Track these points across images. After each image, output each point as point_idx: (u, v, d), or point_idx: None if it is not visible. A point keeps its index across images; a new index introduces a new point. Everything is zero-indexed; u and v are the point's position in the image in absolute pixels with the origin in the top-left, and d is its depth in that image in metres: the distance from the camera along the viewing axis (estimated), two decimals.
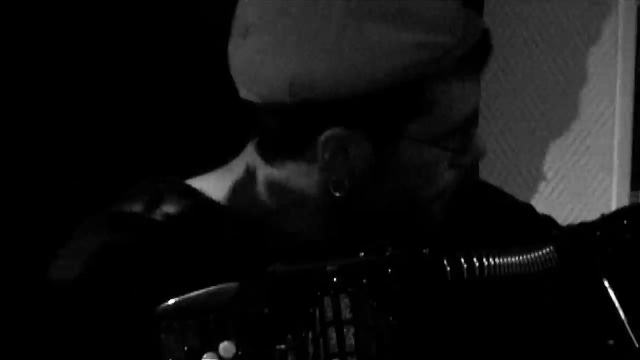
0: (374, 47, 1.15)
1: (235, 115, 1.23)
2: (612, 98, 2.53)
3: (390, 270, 1.13)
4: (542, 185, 2.53)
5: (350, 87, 1.15)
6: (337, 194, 1.19)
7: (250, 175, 1.25)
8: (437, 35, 1.17)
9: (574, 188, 2.54)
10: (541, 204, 2.52)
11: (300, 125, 1.19)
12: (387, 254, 1.15)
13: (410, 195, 1.22)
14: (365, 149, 1.18)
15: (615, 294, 1.20)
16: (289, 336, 1.09)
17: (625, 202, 2.55)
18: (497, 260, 1.16)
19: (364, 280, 1.12)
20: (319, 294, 1.10)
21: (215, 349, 1.09)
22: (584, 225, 1.23)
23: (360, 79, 1.15)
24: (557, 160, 2.54)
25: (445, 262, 1.15)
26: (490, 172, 2.50)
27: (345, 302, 1.10)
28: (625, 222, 1.22)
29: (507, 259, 1.17)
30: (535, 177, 2.53)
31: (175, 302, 1.09)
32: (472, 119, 1.24)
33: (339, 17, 1.15)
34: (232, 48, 1.22)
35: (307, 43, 1.16)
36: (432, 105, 1.19)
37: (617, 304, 1.19)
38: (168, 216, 1.22)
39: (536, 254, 1.19)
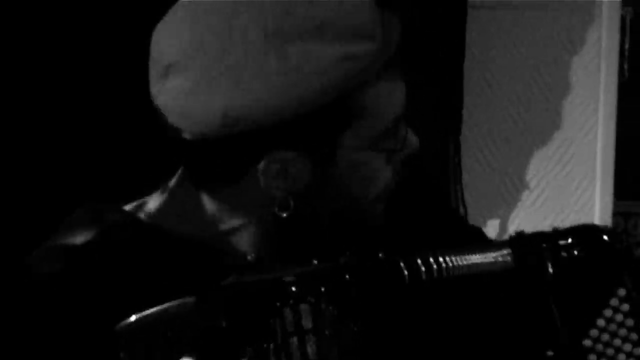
0: (298, 68, 1.14)
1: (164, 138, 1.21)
2: (595, 107, 2.53)
3: (347, 277, 1.13)
4: (525, 194, 2.53)
5: (282, 112, 1.14)
6: (284, 214, 1.19)
7: (189, 200, 1.23)
8: (359, 45, 1.16)
9: (557, 196, 2.54)
10: (524, 213, 2.53)
11: (236, 155, 1.18)
12: (342, 260, 1.15)
13: (353, 199, 1.22)
14: (304, 166, 1.18)
15: (558, 306, 1.20)
16: (249, 348, 1.09)
17: (609, 210, 2.56)
18: (452, 260, 1.17)
19: (322, 289, 1.12)
20: (278, 304, 1.10)
21: None
22: (539, 234, 1.24)
23: (291, 102, 1.14)
24: (540, 168, 2.54)
25: (402, 265, 1.15)
26: (473, 181, 2.51)
27: (305, 311, 1.10)
28: (578, 238, 1.23)
29: (461, 259, 1.17)
30: (518, 186, 2.53)
31: (134, 319, 1.09)
32: (401, 117, 1.24)
33: (259, 43, 1.14)
34: (154, 89, 1.20)
35: (232, 76, 1.14)
36: (362, 112, 1.18)
37: (557, 316, 1.20)
38: (112, 244, 1.21)
39: (492, 255, 1.19)
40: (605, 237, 1.23)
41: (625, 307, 1.22)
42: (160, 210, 1.25)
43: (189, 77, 1.17)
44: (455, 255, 1.17)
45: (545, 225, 1.26)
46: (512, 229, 2.51)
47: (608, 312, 1.22)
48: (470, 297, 1.18)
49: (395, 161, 1.24)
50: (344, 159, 1.20)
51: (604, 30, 2.51)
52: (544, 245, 1.21)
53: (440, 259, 1.16)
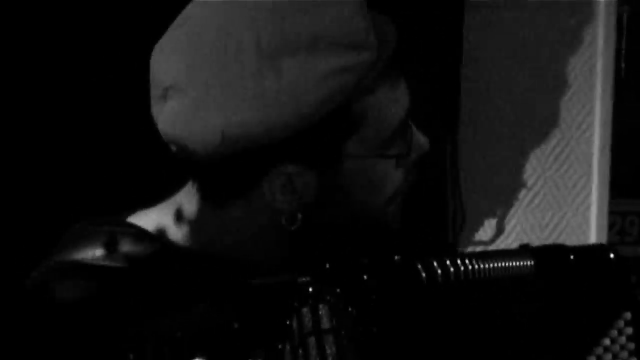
0: (293, 83, 1.13)
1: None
2: (592, 105, 2.54)
3: (365, 278, 1.13)
4: (522, 193, 2.53)
5: (281, 128, 1.14)
6: (292, 227, 1.19)
7: (199, 213, 1.23)
8: (353, 56, 1.15)
9: (554, 195, 2.55)
10: (521, 211, 2.53)
11: (239, 171, 1.18)
12: (358, 261, 1.14)
13: (363, 208, 1.22)
14: (310, 179, 1.18)
15: (570, 320, 1.22)
16: (263, 349, 1.08)
17: (605, 209, 2.56)
18: (473, 264, 1.17)
19: (338, 290, 1.11)
20: (296, 304, 1.09)
21: None
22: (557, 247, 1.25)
23: (289, 118, 1.14)
24: (537, 167, 2.54)
25: (420, 267, 1.15)
26: (471, 180, 2.51)
27: (324, 311, 1.09)
28: (592, 257, 1.25)
29: (480, 263, 1.17)
30: (516, 185, 2.54)
31: (144, 324, 1.08)
32: (407, 119, 1.23)
33: (253, 60, 1.14)
34: (155, 111, 1.21)
35: (228, 94, 1.14)
36: (363, 120, 1.18)
37: (569, 329, 1.21)
38: (128, 259, 1.20)
39: (512, 263, 1.20)
40: (614, 259, 1.25)
41: (629, 330, 1.23)
42: (168, 225, 1.24)
43: (186, 98, 1.16)
44: (473, 259, 1.17)
45: (542, 224, 1.27)
46: (509, 228, 2.51)
47: (613, 333, 1.23)
48: (488, 301, 1.18)
49: (406, 164, 1.24)
50: (350, 168, 1.19)
51: (601, 29, 2.51)
52: (562, 258, 1.23)
53: (458, 262, 1.16)
